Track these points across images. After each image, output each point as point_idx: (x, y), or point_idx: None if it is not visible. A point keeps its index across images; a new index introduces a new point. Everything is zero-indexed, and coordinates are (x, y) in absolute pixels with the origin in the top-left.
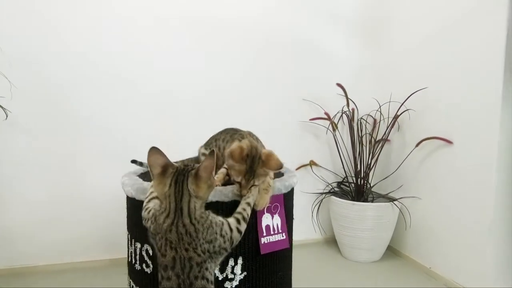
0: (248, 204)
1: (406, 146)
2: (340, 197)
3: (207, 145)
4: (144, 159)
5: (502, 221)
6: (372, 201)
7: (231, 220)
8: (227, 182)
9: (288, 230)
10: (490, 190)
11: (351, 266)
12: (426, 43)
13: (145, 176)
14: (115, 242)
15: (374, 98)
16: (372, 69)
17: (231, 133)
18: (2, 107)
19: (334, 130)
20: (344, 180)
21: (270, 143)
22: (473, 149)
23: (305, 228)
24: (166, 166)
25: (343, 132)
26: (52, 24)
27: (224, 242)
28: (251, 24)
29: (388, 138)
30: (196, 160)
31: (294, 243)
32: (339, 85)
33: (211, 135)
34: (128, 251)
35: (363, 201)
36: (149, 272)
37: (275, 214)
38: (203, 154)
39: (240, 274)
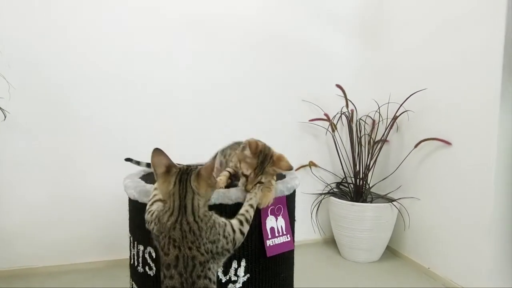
0: (251, 206)
1: (405, 147)
2: (339, 198)
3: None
4: (143, 159)
5: (501, 221)
6: (371, 202)
7: (234, 221)
8: (229, 185)
9: (291, 232)
10: (489, 191)
11: (350, 267)
12: (425, 44)
13: (147, 178)
14: (115, 243)
15: (373, 99)
16: (371, 70)
17: (239, 144)
18: (0, 108)
19: (333, 131)
20: (343, 181)
21: (270, 144)
22: (472, 150)
23: (304, 229)
24: (170, 166)
25: (342, 133)
26: (51, 24)
27: (227, 243)
28: (251, 25)
29: (387, 139)
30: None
31: (294, 243)
32: (338, 86)
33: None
34: (130, 253)
35: (362, 202)
36: (152, 274)
37: (278, 216)
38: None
39: (243, 276)
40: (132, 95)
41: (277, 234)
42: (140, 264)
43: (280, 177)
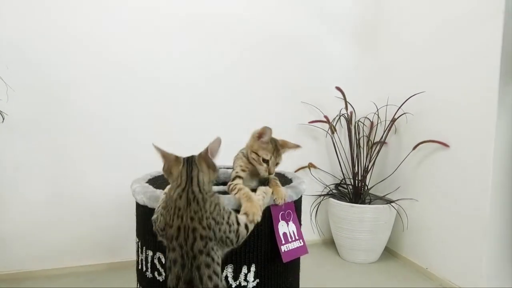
0: (260, 206)
1: (403, 149)
2: (338, 199)
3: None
4: (143, 159)
5: (498, 222)
6: (369, 203)
7: (242, 216)
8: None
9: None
10: (486, 192)
11: (349, 267)
12: (423, 46)
13: (154, 183)
14: (116, 245)
15: (371, 101)
16: (370, 72)
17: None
18: None
19: (332, 133)
20: (342, 182)
21: None
22: (470, 152)
23: (303, 230)
24: (177, 156)
25: (341, 135)
26: (50, 24)
27: (230, 231)
28: (251, 26)
29: (386, 140)
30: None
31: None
32: (338, 88)
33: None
34: (138, 258)
35: (360, 203)
36: (161, 280)
37: (289, 221)
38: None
39: (253, 281)
40: (132, 95)
41: (290, 240)
42: (149, 270)
43: (287, 181)
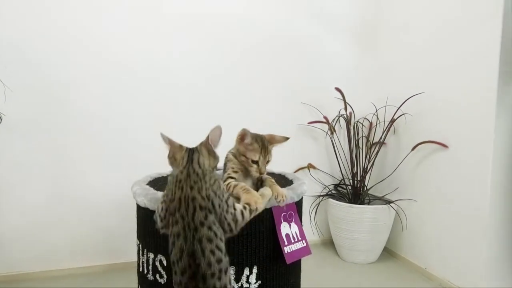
0: (259, 197)
1: (402, 150)
2: (337, 200)
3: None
4: (143, 159)
5: (497, 223)
6: (368, 203)
7: (238, 205)
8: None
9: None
10: (485, 193)
11: (348, 268)
12: (422, 48)
13: (155, 184)
14: (115, 247)
15: (371, 102)
16: (369, 73)
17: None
18: None
19: (332, 133)
20: (341, 183)
21: None
22: (469, 153)
23: None
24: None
25: (340, 135)
26: (49, 24)
27: (227, 212)
28: (250, 27)
29: (385, 141)
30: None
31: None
32: (337, 89)
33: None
34: (139, 260)
35: (360, 204)
36: (163, 282)
37: (291, 222)
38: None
39: (255, 283)
40: (132, 95)
41: (292, 241)
42: (150, 272)
43: (288, 183)
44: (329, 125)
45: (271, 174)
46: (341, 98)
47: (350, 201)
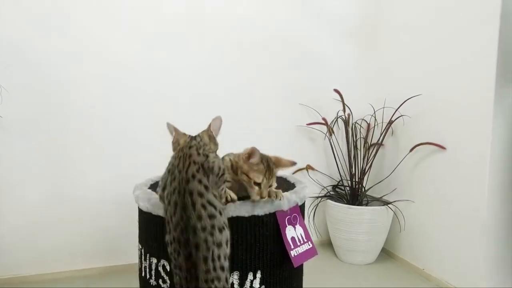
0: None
1: (400, 151)
2: (335, 201)
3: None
4: (143, 160)
5: (495, 224)
6: (366, 205)
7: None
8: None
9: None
10: (483, 194)
11: (346, 268)
12: (420, 50)
13: (156, 188)
14: (115, 248)
15: (369, 103)
16: (367, 75)
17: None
18: None
19: (330, 135)
20: (339, 184)
21: (268, 147)
22: (466, 154)
23: None
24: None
25: (338, 136)
26: (49, 25)
27: (219, 187)
28: (250, 27)
29: (383, 142)
30: None
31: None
32: (336, 91)
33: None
34: (141, 265)
35: (358, 205)
36: (166, 287)
37: (296, 225)
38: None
39: (259, 287)
40: (132, 95)
41: (298, 243)
42: (153, 277)
43: (290, 186)
44: (327, 126)
45: None
46: (340, 99)
47: (348, 202)
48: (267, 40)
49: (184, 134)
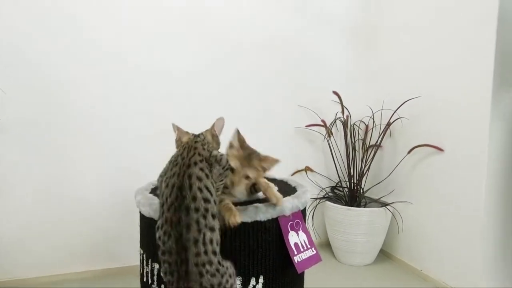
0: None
1: (398, 153)
2: (334, 202)
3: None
4: (143, 160)
5: (492, 225)
6: (365, 206)
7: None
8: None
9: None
10: (480, 195)
11: (345, 269)
12: (419, 52)
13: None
14: (115, 249)
15: (367, 105)
16: (365, 77)
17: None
18: None
19: (329, 137)
20: (338, 185)
21: (266, 148)
22: (464, 156)
23: None
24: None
25: (336, 138)
26: (50, 25)
27: (223, 176)
28: (249, 28)
29: (381, 144)
30: None
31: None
32: (335, 93)
33: None
34: (143, 270)
35: (356, 206)
36: None
37: (299, 230)
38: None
39: None
40: (132, 95)
41: (302, 249)
42: (155, 283)
43: (291, 190)
44: (326, 128)
45: (273, 180)
46: (338, 101)
47: (347, 204)
48: (267, 40)
49: (187, 132)
